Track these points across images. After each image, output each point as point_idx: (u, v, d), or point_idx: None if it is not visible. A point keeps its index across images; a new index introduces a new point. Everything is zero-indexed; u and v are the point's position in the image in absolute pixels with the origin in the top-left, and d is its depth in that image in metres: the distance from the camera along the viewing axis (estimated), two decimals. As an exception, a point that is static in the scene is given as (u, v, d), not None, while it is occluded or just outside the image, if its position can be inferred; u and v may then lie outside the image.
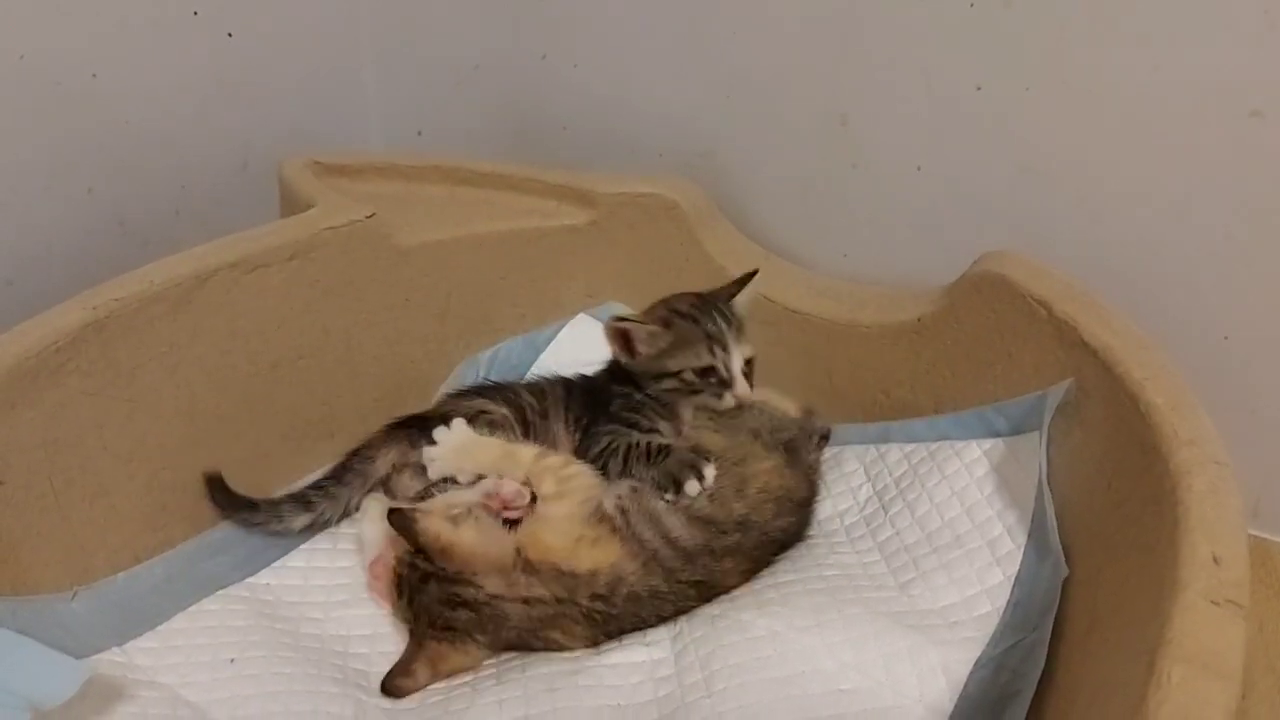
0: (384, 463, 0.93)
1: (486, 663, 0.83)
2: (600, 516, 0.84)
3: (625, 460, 0.89)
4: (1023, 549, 0.79)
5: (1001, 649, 0.73)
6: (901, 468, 0.94)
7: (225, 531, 0.91)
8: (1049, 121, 0.99)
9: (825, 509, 0.95)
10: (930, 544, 0.85)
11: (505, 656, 0.83)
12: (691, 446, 0.90)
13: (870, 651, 0.74)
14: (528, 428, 0.96)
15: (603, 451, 0.91)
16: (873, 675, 0.73)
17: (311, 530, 0.93)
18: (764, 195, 1.22)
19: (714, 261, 1.14)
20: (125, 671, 0.76)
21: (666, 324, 0.95)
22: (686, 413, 0.95)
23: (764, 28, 1.13)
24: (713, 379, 0.93)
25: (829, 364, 1.07)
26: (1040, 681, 0.69)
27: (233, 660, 0.79)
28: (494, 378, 1.09)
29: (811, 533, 0.92)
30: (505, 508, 0.86)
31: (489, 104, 1.40)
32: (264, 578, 0.89)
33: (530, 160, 1.25)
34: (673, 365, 0.94)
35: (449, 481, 0.89)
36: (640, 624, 0.82)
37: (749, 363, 0.95)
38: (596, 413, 0.97)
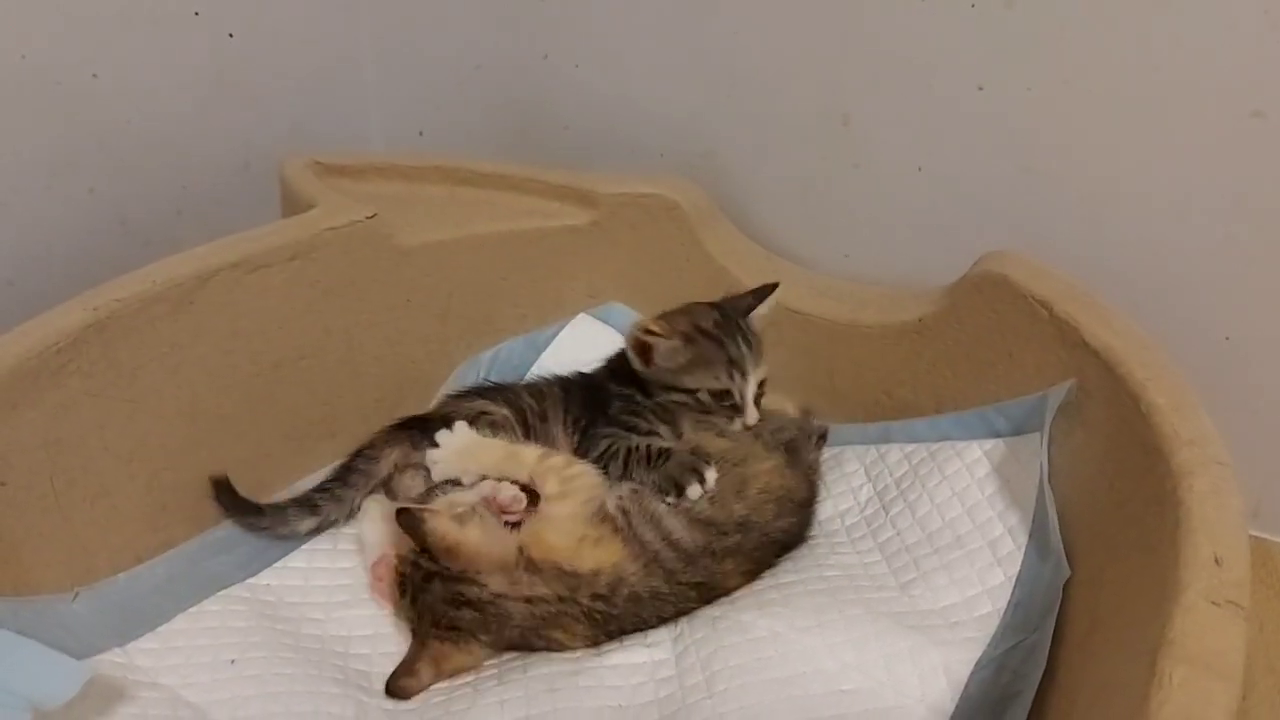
0: (387, 463, 0.93)
1: (488, 663, 0.83)
2: (603, 517, 0.84)
3: (625, 464, 0.89)
4: (1024, 549, 0.79)
5: (1003, 649, 0.73)
6: (902, 468, 0.94)
7: (226, 531, 0.91)
8: (1050, 122, 0.99)
9: (826, 509, 0.95)
10: (931, 544, 0.85)
11: (507, 657, 0.83)
12: (692, 449, 0.89)
13: (871, 652, 0.74)
14: (528, 429, 0.96)
15: (602, 455, 0.91)
16: (874, 675, 0.73)
17: (317, 532, 0.93)
18: (765, 195, 1.21)
19: (715, 262, 1.14)
20: (126, 672, 0.76)
21: (689, 340, 0.94)
22: (687, 424, 0.95)
23: (765, 28, 1.13)
24: (726, 403, 0.93)
25: (830, 364, 1.07)
26: (1041, 682, 0.70)
27: (234, 661, 0.79)
28: (495, 378, 1.09)
29: (812, 533, 0.92)
30: (503, 512, 0.86)
31: (490, 104, 1.40)
32: (265, 578, 0.89)
33: (531, 160, 1.25)
34: (690, 383, 0.93)
35: (451, 482, 0.89)
36: (641, 624, 0.82)
37: (761, 384, 0.95)
38: (594, 414, 0.96)
